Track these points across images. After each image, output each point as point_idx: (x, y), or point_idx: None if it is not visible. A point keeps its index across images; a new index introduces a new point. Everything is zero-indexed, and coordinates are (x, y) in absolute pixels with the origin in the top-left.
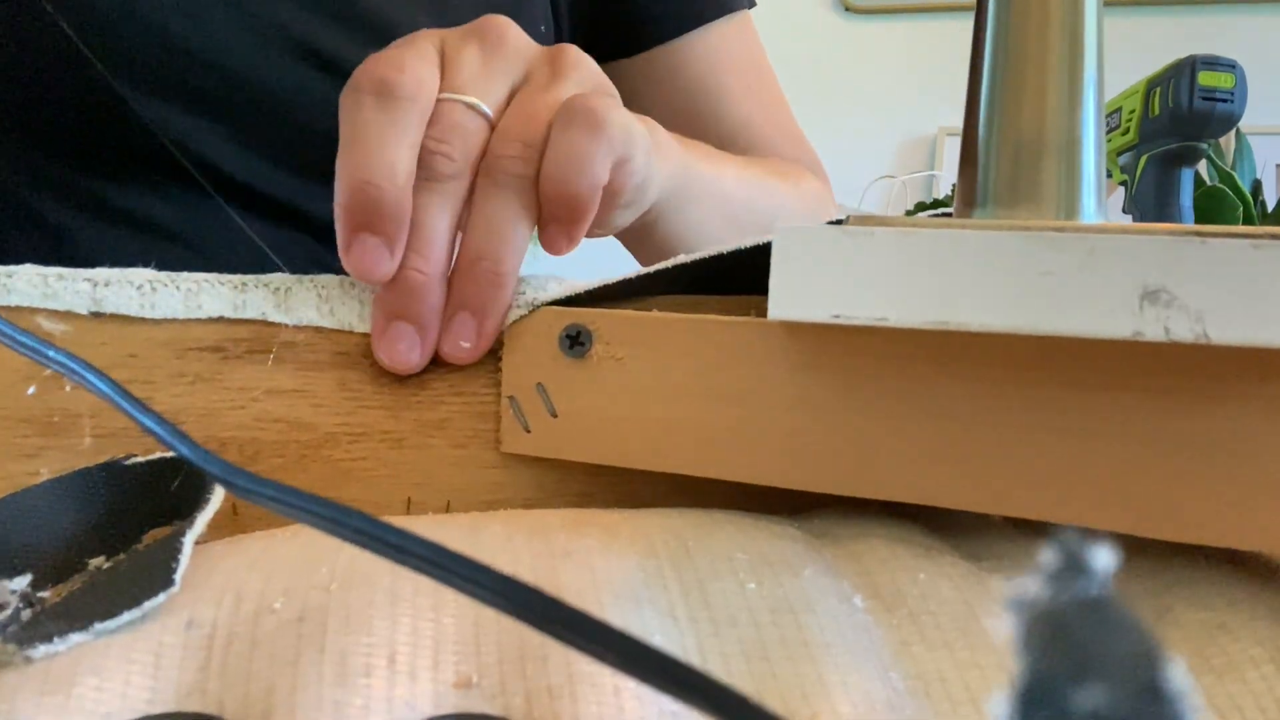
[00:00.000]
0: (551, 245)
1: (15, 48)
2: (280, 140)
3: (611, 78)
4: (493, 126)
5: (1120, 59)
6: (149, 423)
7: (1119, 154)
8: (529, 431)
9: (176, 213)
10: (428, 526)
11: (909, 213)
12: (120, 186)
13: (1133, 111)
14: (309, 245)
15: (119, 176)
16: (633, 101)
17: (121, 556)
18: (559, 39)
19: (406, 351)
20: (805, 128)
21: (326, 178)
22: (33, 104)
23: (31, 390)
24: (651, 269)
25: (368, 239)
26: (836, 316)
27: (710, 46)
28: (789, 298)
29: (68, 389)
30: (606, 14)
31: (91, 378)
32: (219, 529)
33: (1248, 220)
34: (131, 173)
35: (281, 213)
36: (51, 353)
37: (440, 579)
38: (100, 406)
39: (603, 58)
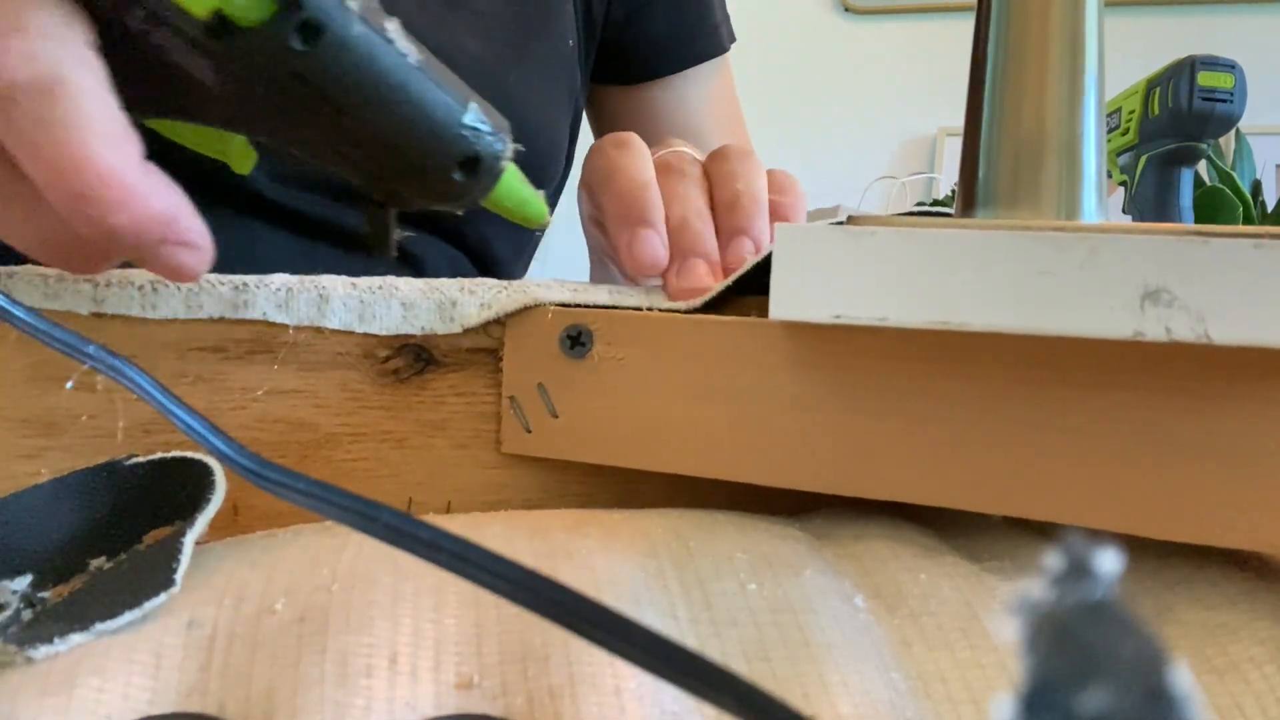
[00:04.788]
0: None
1: None
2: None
3: (616, 105)
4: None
5: (1120, 59)
6: (184, 416)
7: (1119, 154)
8: (530, 432)
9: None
10: None
11: (909, 213)
12: None
13: (1133, 111)
14: (338, 256)
15: None
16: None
17: (122, 557)
18: (580, 57)
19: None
20: (805, 128)
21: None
22: None
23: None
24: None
25: (648, 233)
26: (837, 316)
27: (702, 88)
28: (790, 298)
29: (70, 386)
30: (621, 40)
31: (131, 373)
32: (220, 529)
33: (1247, 220)
34: None
35: (308, 228)
36: (90, 349)
37: (472, 577)
38: (101, 406)
39: (610, 80)
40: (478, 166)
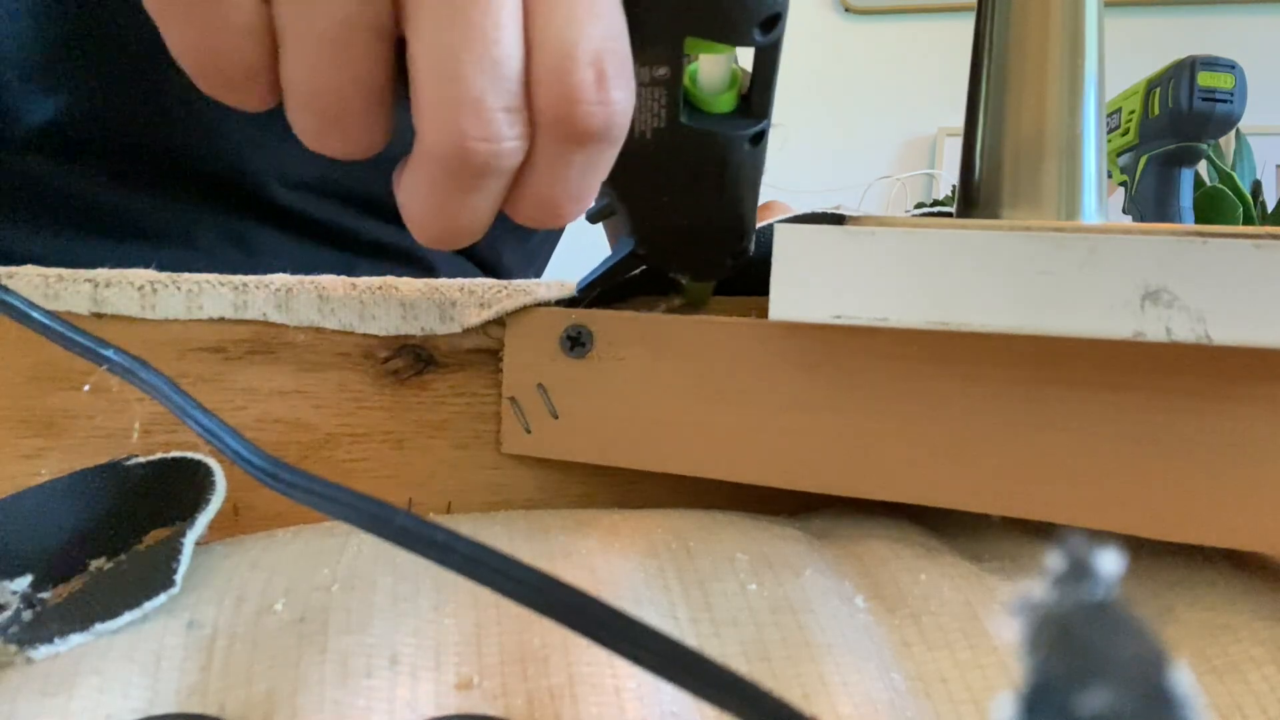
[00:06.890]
0: None
1: (96, 69)
2: (329, 170)
3: None
4: None
5: (1120, 59)
6: (200, 418)
7: (1119, 154)
8: (530, 432)
9: (218, 236)
10: None
11: (909, 213)
12: (165, 204)
13: (1133, 112)
14: (349, 260)
15: (161, 194)
16: None
17: (122, 557)
18: None
19: None
20: (805, 128)
21: (368, 203)
22: (106, 117)
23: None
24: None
25: None
26: (837, 317)
27: None
28: (790, 298)
29: (85, 389)
30: None
31: (146, 375)
32: (220, 529)
33: (1248, 220)
34: (174, 193)
35: (319, 232)
36: (109, 352)
37: (486, 580)
38: (101, 407)
39: None
40: (740, 256)
